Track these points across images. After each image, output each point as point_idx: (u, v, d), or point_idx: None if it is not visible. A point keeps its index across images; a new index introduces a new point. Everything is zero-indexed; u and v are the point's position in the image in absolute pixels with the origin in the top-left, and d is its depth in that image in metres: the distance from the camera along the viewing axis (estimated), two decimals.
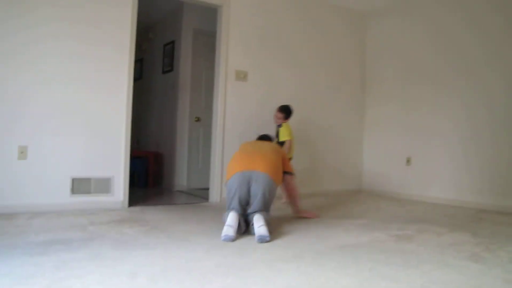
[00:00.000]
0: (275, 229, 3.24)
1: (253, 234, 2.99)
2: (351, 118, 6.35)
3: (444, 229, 3.50)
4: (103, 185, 4.14)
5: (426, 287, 2.02)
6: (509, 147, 4.71)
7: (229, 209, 3.17)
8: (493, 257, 2.61)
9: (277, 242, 2.88)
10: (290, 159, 4.46)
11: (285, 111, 4.76)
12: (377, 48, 6.39)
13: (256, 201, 3.18)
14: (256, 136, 4.27)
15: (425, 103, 5.62)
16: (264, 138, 4.16)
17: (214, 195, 4.92)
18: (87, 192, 4.05)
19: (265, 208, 3.20)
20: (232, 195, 3.21)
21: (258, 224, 2.96)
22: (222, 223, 3.13)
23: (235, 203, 3.18)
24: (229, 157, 4.93)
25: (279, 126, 4.78)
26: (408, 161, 5.78)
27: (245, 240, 2.92)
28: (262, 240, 2.87)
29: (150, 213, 3.98)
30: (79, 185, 4.01)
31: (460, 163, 5.17)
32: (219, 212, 4.08)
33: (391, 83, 6.11)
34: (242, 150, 3.58)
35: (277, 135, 4.77)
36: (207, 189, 5.18)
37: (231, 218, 2.98)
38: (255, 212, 3.12)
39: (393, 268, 2.32)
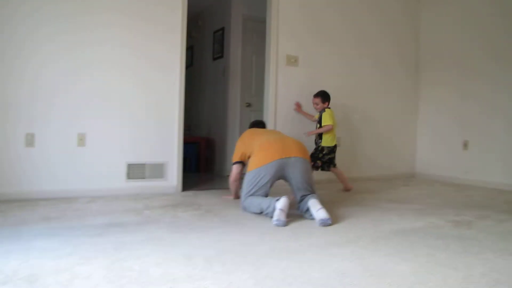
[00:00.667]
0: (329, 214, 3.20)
1: (310, 218, 2.98)
2: (404, 101, 6.17)
3: (506, 215, 3.36)
4: (157, 171, 4.23)
5: (488, 276, 1.93)
6: None
7: (258, 194, 3.21)
8: None
9: (332, 227, 2.85)
10: (335, 146, 4.62)
11: (322, 95, 4.65)
12: (432, 30, 6.15)
13: (302, 185, 3.19)
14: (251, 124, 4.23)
15: (483, 85, 5.37)
16: (261, 124, 4.17)
17: None
18: (142, 177, 4.15)
19: (314, 191, 3.21)
20: (265, 182, 3.20)
21: (316, 208, 2.95)
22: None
23: (266, 189, 3.22)
24: None
25: (322, 111, 4.64)
26: (466, 145, 5.56)
27: (298, 224, 2.91)
28: (324, 223, 2.86)
29: (203, 197, 4.03)
30: (134, 171, 4.12)
31: None
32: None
33: (447, 65, 5.87)
34: (268, 139, 3.41)
35: (319, 121, 4.64)
36: None
37: (283, 203, 2.96)
38: (306, 195, 3.11)
39: (451, 255, 2.25)
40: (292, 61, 5.07)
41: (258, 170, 3.22)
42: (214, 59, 6.58)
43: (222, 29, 6.30)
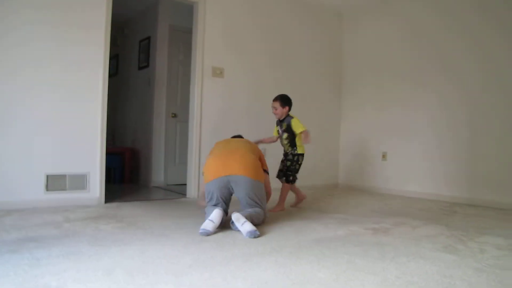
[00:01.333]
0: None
1: (237, 230, 3.01)
2: (328, 115, 6.40)
3: (419, 222, 3.57)
4: (79, 182, 4.08)
5: (402, 278, 2.05)
6: (481, 141, 4.82)
7: (211, 204, 3.27)
8: (465, 248, 2.68)
9: (257, 237, 2.88)
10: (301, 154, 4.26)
11: (281, 99, 4.21)
12: (353, 46, 6.46)
13: (246, 201, 3.29)
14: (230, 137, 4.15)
15: (400, 99, 5.72)
16: (237, 136, 4.10)
17: (192, 191, 4.91)
18: (62, 188, 3.99)
19: (260, 206, 3.31)
20: (215, 196, 3.27)
21: (241, 222, 2.95)
22: (201, 218, 3.20)
23: (218, 200, 3.27)
24: (205, 153, 4.94)
25: (288, 118, 4.20)
26: (384, 156, 5.86)
27: (224, 235, 2.92)
28: (253, 235, 2.87)
29: (127, 209, 3.94)
30: (54, 182, 3.95)
31: (435, 157, 5.28)
32: (197, 208, 4.08)
33: (368, 80, 6.19)
34: (216, 153, 3.46)
35: (287, 129, 4.20)
36: (185, 184, 5.16)
37: (215, 215, 2.99)
38: (235, 211, 3.13)
39: (370, 260, 2.35)
40: (218, 72, 5.11)
41: (207, 185, 3.32)
42: (140, 68, 6.48)
43: (148, 38, 6.24)
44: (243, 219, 2.97)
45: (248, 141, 3.81)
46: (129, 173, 6.33)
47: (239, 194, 3.30)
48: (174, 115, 6.14)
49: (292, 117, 4.19)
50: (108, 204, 4.17)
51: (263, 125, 5.36)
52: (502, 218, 3.95)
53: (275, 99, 4.23)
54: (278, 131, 4.33)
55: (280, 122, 4.29)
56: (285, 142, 4.24)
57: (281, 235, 2.97)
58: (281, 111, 4.19)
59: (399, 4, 5.78)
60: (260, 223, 3.25)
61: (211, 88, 5.05)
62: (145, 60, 6.32)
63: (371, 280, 2.02)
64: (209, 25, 5.05)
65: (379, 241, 2.86)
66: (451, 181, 5.08)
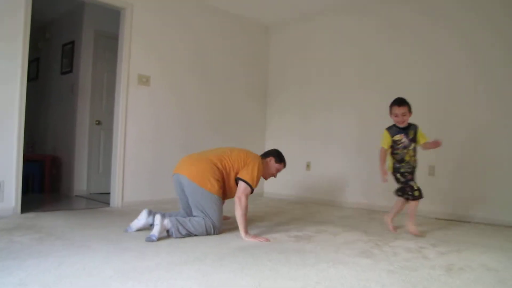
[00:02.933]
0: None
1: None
2: (253, 125, 6.52)
3: (340, 229, 3.74)
4: None
5: (321, 283, 2.14)
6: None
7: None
8: (380, 253, 2.86)
9: (179, 246, 2.88)
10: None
11: (409, 105, 3.63)
12: (278, 59, 6.64)
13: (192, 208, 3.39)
14: None
15: (321, 109, 5.95)
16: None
17: (116, 200, 4.80)
18: None
19: (200, 215, 3.30)
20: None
21: (154, 224, 3.08)
22: (123, 228, 3.36)
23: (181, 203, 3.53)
24: (130, 161, 4.88)
25: (410, 127, 3.63)
26: (308, 166, 6.03)
27: (146, 244, 2.88)
28: (147, 239, 2.98)
29: (46, 219, 3.78)
30: None
31: (353, 166, 5.51)
32: (120, 217, 4.01)
33: (291, 91, 6.39)
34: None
35: (413, 139, 3.61)
36: (108, 193, 5.03)
37: (142, 214, 3.36)
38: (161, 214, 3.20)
39: (292, 267, 2.43)
40: (144, 80, 5.04)
41: None
42: (63, 73, 6.25)
43: (72, 42, 6.03)
44: (156, 221, 3.06)
45: (246, 151, 3.60)
46: (49, 182, 6.06)
47: (188, 196, 3.37)
48: (98, 123, 5.98)
49: (415, 124, 3.68)
50: (25, 214, 3.97)
51: (189, 134, 5.37)
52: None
53: (402, 104, 3.58)
54: (395, 141, 3.62)
55: (402, 130, 3.61)
56: (412, 153, 3.63)
57: (204, 244, 2.99)
58: (408, 117, 3.62)
59: (321, 17, 6.00)
60: (201, 234, 3.22)
61: (136, 96, 4.98)
62: (68, 65, 6.10)
63: (292, 286, 2.09)
64: (136, 32, 4.98)
65: (301, 248, 2.95)
66: (368, 189, 5.33)
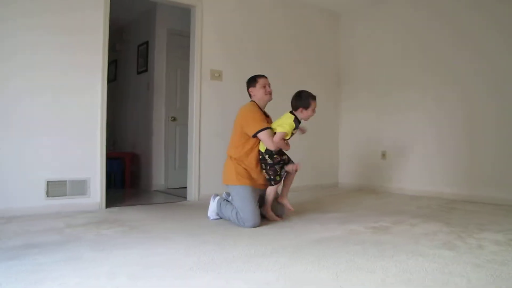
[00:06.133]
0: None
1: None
2: (326, 115, 6.40)
3: (418, 219, 3.59)
4: (79, 187, 4.08)
5: (401, 276, 2.06)
6: (478, 141, 4.83)
7: None
8: (464, 244, 2.70)
9: (257, 238, 2.89)
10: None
11: None
12: (350, 47, 6.49)
13: None
14: None
15: (396, 99, 5.74)
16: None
17: (193, 193, 4.91)
18: (63, 194, 3.99)
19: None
20: None
21: (213, 200, 3.71)
22: (201, 220, 3.51)
23: None
24: (205, 156, 4.96)
25: None
26: (384, 155, 5.86)
27: (223, 237, 2.93)
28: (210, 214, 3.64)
29: (128, 213, 3.95)
30: (55, 188, 3.95)
31: (433, 155, 5.28)
32: (198, 210, 4.10)
33: (364, 80, 6.22)
34: None
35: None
36: (185, 188, 5.16)
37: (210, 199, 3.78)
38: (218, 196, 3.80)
39: (369, 259, 2.36)
40: (216, 75, 5.11)
41: None
42: (139, 73, 6.49)
43: (147, 42, 6.25)
44: (216, 198, 3.65)
45: (238, 114, 3.57)
46: (129, 178, 6.33)
47: None
48: (174, 119, 6.15)
49: None
50: (109, 209, 4.17)
51: None
52: (501, 213, 3.96)
53: (315, 99, 3.62)
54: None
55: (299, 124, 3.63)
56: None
57: (282, 235, 2.98)
58: None
59: (394, 5, 5.79)
60: (234, 222, 3.37)
61: (209, 91, 5.06)
62: (143, 65, 6.33)
63: (371, 278, 2.03)
64: (207, 28, 5.06)
65: (378, 239, 2.86)
66: (449, 178, 5.09)
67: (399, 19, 5.76)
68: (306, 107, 3.51)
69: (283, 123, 3.43)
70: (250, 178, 3.41)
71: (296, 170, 3.52)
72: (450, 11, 5.14)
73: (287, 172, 3.56)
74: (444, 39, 5.19)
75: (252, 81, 3.66)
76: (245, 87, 3.76)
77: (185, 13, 5.24)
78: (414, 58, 5.53)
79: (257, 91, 3.62)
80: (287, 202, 3.59)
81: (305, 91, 3.59)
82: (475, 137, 4.86)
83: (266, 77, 3.69)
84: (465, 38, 4.98)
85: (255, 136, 3.38)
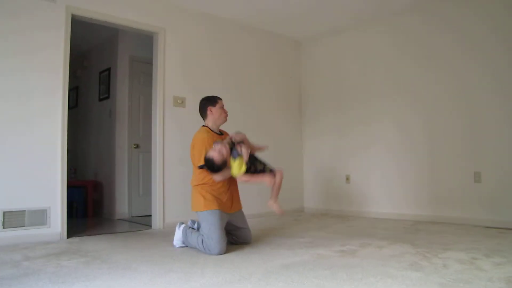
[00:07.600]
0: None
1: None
2: (290, 139, 6.47)
3: (385, 242, 3.63)
4: (39, 217, 3.95)
5: None
6: (439, 163, 4.97)
7: None
8: (430, 265, 2.75)
9: (225, 266, 2.86)
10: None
11: None
12: (311, 72, 6.62)
13: None
14: None
15: (358, 122, 5.87)
16: None
17: (157, 221, 4.82)
18: (21, 225, 3.84)
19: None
20: None
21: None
22: (167, 249, 3.39)
23: None
24: (169, 183, 4.90)
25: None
26: (347, 178, 5.93)
27: (191, 265, 2.88)
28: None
29: (91, 243, 3.83)
30: (12, 218, 3.80)
31: (394, 178, 5.40)
32: (163, 238, 4.02)
33: (326, 105, 6.34)
34: None
35: None
36: (149, 216, 5.07)
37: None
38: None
39: (339, 283, 2.36)
40: (179, 102, 5.10)
41: None
42: (100, 100, 6.41)
43: (109, 69, 6.19)
44: (181, 226, 3.65)
45: (191, 143, 3.57)
46: (92, 206, 6.17)
47: None
48: (137, 146, 6.08)
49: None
50: (71, 239, 4.05)
51: None
52: (463, 233, 4.07)
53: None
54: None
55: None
56: None
57: (250, 262, 2.95)
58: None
59: (353, 31, 5.97)
60: (196, 248, 3.39)
61: (173, 117, 5.03)
62: (105, 92, 6.25)
63: None
64: (169, 55, 5.06)
65: (347, 263, 2.88)
66: (412, 200, 5.20)
67: (358, 43, 5.93)
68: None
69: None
70: (217, 200, 3.41)
71: (275, 182, 3.60)
72: (417, 34, 5.31)
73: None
74: (405, 62, 5.37)
75: (212, 101, 3.67)
76: None
77: (148, 40, 5.24)
78: (374, 83, 5.68)
79: (216, 111, 3.64)
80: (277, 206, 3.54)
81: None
82: (436, 160, 4.99)
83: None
84: (430, 59, 5.14)
85: (201, 167, 3.39)
